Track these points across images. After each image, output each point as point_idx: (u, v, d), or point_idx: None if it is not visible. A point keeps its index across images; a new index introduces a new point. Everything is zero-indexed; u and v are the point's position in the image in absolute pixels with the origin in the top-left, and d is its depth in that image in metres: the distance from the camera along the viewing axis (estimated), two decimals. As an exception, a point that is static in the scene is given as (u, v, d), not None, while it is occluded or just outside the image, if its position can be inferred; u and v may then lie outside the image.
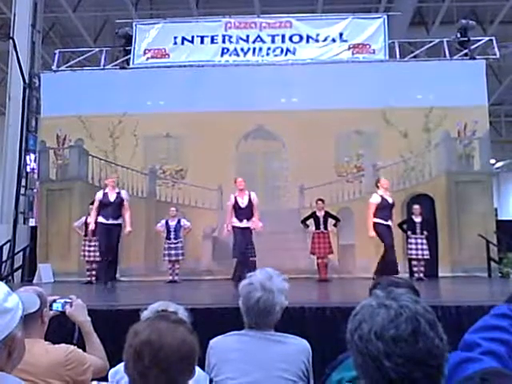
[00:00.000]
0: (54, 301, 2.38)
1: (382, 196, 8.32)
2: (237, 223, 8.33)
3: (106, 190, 8.27)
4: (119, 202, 8.14)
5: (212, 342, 2.42)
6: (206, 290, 8.46)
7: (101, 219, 8.10)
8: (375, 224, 8.12)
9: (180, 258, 9.53)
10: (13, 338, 1.18)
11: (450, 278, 9.61)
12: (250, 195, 8.39)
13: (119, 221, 8.13)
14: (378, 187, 8.57)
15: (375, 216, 8.15)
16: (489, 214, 10.50)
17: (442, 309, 4.73)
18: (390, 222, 8.26)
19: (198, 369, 2.26)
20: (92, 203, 8.74)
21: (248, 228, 8.32)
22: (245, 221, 8.28)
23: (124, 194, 8.35)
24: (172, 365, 1.34)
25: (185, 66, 11.08)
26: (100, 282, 8.62)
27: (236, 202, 8.36)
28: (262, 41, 11.20)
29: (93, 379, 2.31)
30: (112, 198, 8.13)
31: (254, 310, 2.30)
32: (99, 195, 8.30)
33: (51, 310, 2.35)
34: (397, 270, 8.08)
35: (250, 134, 10.96)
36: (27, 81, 10.97)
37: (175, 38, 11.26)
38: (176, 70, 10.98)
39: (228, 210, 8.54)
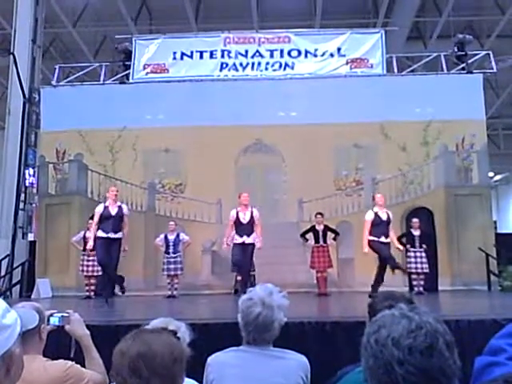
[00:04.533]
0: (51, 315, 2.37)
1: (376, 213, 8.11)
2: (237, 239, 8.17)
3: (107, 204, 7.98)
4: (120, 216, 7.85)
5: (210, 358, 2.41)
6: (205, 305, 8.41)
7: (100, 233, 7.77)
8: (369, 241, 7.96)
9: (179, 272, 9.49)
10: (11, 354, 1.18)
11: (449, 292, 9.58)
12: (252, 211, 8.31)
13: (119, 235, 7.82)
14: (374, 204, 8.48)
15: (370, 233, 8.00)
16: (488, 228, 10.51)
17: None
18: (383, 239, 8.00)
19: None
20: (91, 218, 8.54)
21: (248, 244, 8.16)
22: (245, 237, 8.14)
23: (125, 208, 8.07)
24: (170, 369, 1.36)
25: (184, 80, 11.15)
26: (100, 297, 8.48)
27: (238, 217, 8.23)
28: (261, 56, 11.28)
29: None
30: (113, 211, 7.84)
31: (252, 325, 2.30)
32: (99, 209, 7.94)
33: (48, 324, 2.34)
34: (396, 263, 8.00)
35: (248, 147, 11.00)
36: (27, 95, 11.03)
37: (174, 53, 11.35)
38: (175, 85, 11.04)
39: (229, 224, 8.40)
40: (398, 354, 1.02)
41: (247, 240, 8.13)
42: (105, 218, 7.83)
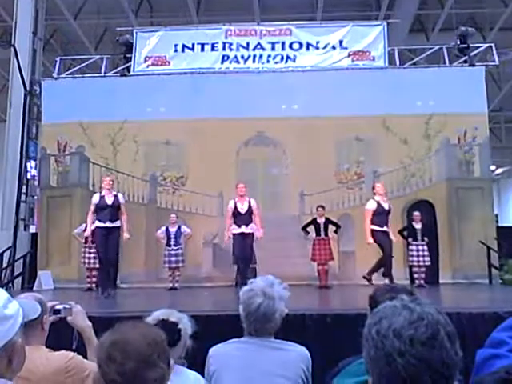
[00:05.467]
0: (54, 307, 2.39)
1: (378, 202, 8.22)
2: (236, 229, 8.25)
3: (103, 193, 7.97)
4: (117, 205, 7.83)
5: (212, 350, 2.42)
6: (207, 297, 8.44)
7: (98, 223, 7.76)
8: (372, 231, 8.04)
9: (180, 264, 9.51)
10: (13, 344, 1.18)
11: (450, 285, 9.60)
12: (249, 201, 8.35)
13: (117, 223, 7.80)
14: (374, 193, 8.53)
15: (372, 222, 8.09)
16: (489, 221, 10.50)
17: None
18: (385, 228, 8.15)
19: (198, 375, 2.27)
20: (93, 210, 8.61)
21: (248, 234, 8.24)
22: (243, 226, 8.20)
23: (121, 197, 8.04)
24: (143, 353, 1.40)
25: (185, 73, 11.12)
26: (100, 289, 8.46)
27: (235, 207, 8.30)
28: (262, 48, 11.24)
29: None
30: (109, 201, 7.82)
31: (254, 315, 2.31)
32: (95, 199, 7.93)
33: (50, 315, 2.36)
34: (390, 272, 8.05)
35: (250, 140, 10.99)
36: (28, 88, 11.01)
37: (176, 45, 11.31)
38: (176, 78, 11.01)
39: (227, 215, 8.48)
40: (399, 345, 1.02)
41: (246, 230, 8.20)
42: (101, 208, 7.81)
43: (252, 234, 8.26)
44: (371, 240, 8.07)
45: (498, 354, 1.17)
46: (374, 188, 8.61)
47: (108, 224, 7.74)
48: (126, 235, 7.91)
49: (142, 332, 1.45)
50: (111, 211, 7.80)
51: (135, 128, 10.76)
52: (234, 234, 8.30)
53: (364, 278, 8.28)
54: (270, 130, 10.81)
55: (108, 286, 7.82)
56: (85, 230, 9.31)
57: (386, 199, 8.35)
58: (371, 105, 10.38)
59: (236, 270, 9.30)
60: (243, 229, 8.21)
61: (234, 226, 8.30)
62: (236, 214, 8.29)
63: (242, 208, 8.28)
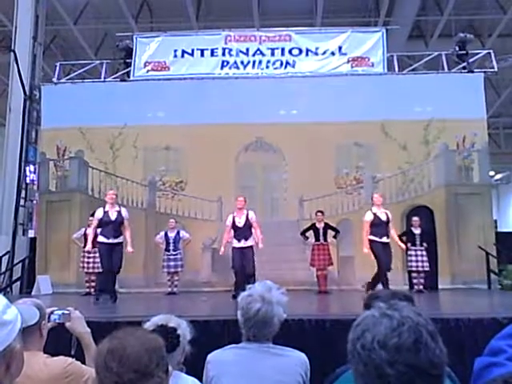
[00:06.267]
0: (52, 312, 2.38)
1: (375, 214, 8.10)
2: (235, 243, 8.24)
3: (106, 208, 7.94)
4: (120, 220, 7.84)
5: (210, 355, 2.42)
6: (205, 302, 8.42)
7: (101, 238, 7.77)
8: (370, 241, 7.94)
9: (179, 269, 9.51)
10: (11, 350, 1.18)
11: (449, 290, 9.59)
12: (247, 214, 8.32)
13: (120, 239, 7.82)
14: (372, 204, 8.48)
15: (370, 233, 7.99)
16: (488, 226, 10.50)
17: (442, 321, 4.71)
18: (385, 239, 8.00)
19: (196, 381, 2.26)
20: (92, 215, 8.54)
21: (247, 247, 8.21)
22: (243, 241, 8.20)
23: (124, 212, 8.01)
24: (140, 361, 1.38)
25: (185, 78, 11.14)
26: (102, 295, 8.38)
27: (233, 221, 8.31)
28: (262, 54, 11.27)
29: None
30: (113, 216, 7.82)
31: (252, 321, 2.30)
32: (99, 213, 7.91)
33: (49, 321, 2.35)
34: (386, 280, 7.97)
35: (249, 146, 11.00)
36: (28, 93, 11.03)
37: (175, 50, 11.34)
38: (176, 83, 11.03)
39: (226, 229, 8.49)
40: (387, 356, 1.01)
41: (245, 244, 8.18)
42: (105, 223, 7.81)
43: (251, 247, 8.23)
44: (366, 250, 7.99)
45: (496, 362, 1.17)
46: (372, 199, 8.57)
47: (112, 240, 7.74)
48: (129, 249, 7.88)
49: (140, 339, 1.44)
50: (114, 227, 7.80)
51: (134, 133, 10.77)
52: (233, 248, 8.30)
53: (363, 286, 8.28)
54: (270, 136, 10.82)
55: (106, 291, 7.80)
56: (84, 234, 9.34)
57: (383, 210, 8.25)
58: (370, 110, 10.41)
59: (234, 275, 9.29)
60: (242, 243, 8.20)
61: (234, 240, 8.30)
62: (234, 227, 8.30)
63: (240, 222, 8.29)
